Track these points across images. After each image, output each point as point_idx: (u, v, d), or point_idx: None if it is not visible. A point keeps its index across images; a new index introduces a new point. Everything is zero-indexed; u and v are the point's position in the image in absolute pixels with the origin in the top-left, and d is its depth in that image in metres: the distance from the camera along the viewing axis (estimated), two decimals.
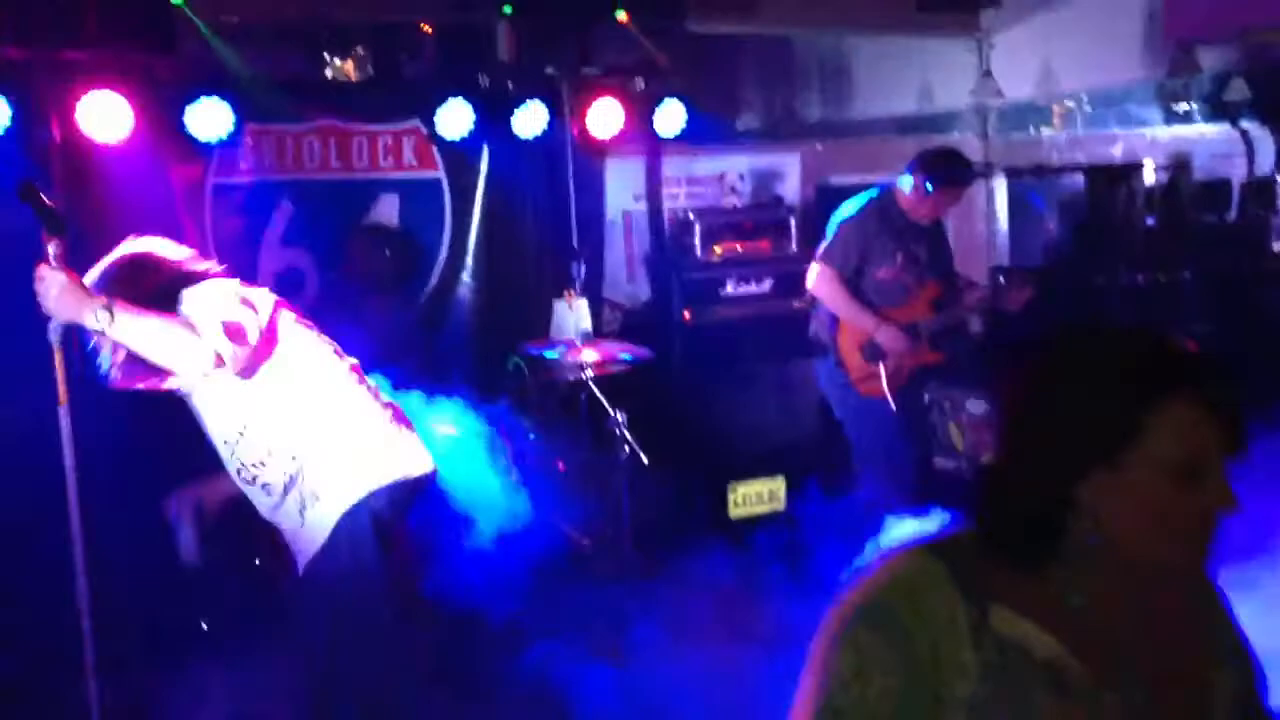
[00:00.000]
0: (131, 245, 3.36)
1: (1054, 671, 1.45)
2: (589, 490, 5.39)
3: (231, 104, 5.19)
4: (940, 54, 7.72)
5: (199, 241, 5.08)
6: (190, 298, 3.23)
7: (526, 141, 6.05)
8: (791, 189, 7.30)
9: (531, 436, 5.39)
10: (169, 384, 3.33)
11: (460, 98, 5.84)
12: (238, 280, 3.34)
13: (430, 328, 6.20)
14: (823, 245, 5.33)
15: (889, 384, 5.25)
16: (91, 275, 3.26)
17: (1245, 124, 6.47)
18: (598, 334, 5.94)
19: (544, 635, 4.57)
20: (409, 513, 3.51)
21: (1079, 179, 7.22)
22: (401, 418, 3.55)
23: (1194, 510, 1.43)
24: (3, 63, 4.80)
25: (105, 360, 3.25)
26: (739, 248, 6.69)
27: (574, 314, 5.98)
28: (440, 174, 6.26)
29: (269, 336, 3.25)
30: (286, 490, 3.37)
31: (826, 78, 8.52)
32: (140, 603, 4.46)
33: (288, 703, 3.78)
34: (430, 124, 5.96)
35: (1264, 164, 6.44)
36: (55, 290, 3.06)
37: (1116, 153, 7.26)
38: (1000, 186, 7.90)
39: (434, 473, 3.54)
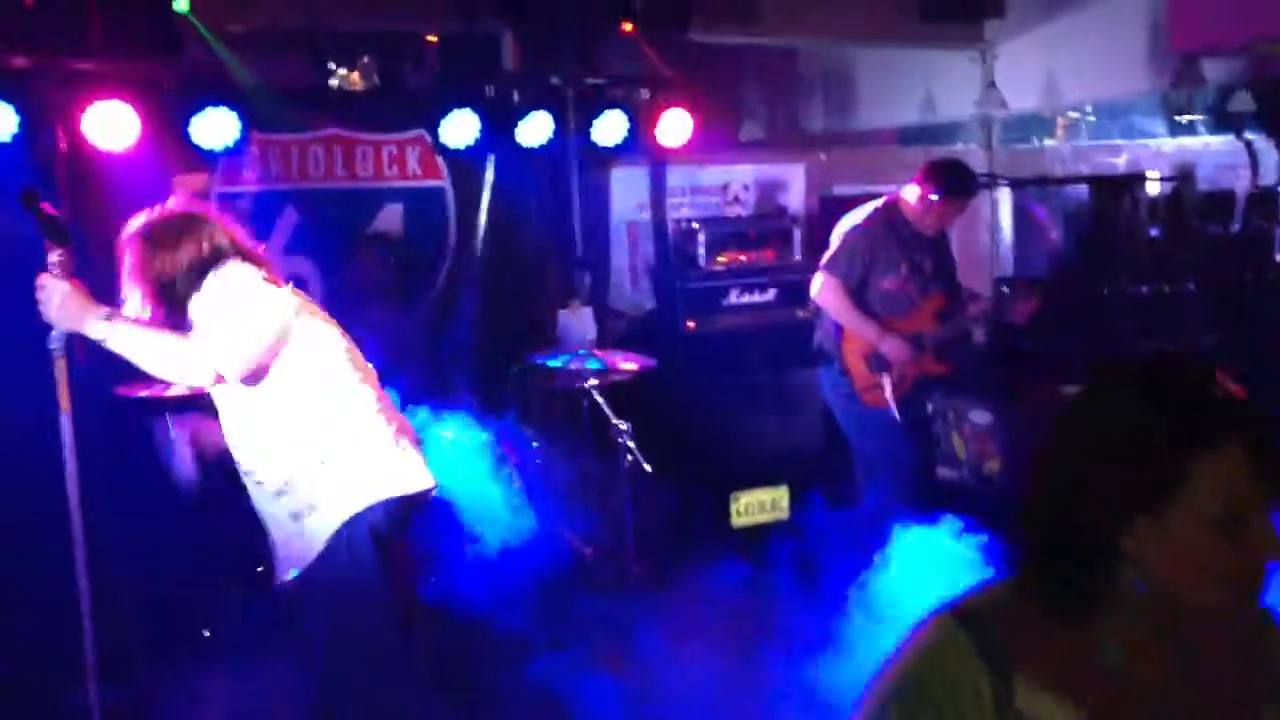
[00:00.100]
0: (189, 202, 3.38)
1: None
2: (592, 499, 5.39)
3: (237, 113, 5.20)
4: (944, 65, 7.72)
5: None
6: (210, 289, 3.21)
7: (531, 151, 6.06)
8: (795, 199, 7.30)
9: (535, 445, 5.39)
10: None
11: (465, 108, 5.85)
12: (264, 271, 3.30)
13: (434, 336, 6.20)
14: (827, 255, 5.33)
15: (893, 394, 5.25)
16: (137, 220, 3.26)
17: (1249, 135, 6.47)
18: (601, 343, 5.94)
19: (547, 643, 4.58)
20: (407, 526, 3.48)
21: (1083, 190, 7.22)
22: (407, 431, 3.51)
23: (1239, 559, 1.40)
24: (9, 71, 4.81)
25: None
26: (743, 257, 6.69)
27: (578, 323, 5.99)
28: (445, 183, 6.27)
29: (274, 348, 3.23)
30: (279, 494, 3.35)
31: (830, 88, 8.52)
32: (141, 606, 4.46)
33: (288, 707, 3.78)
34: (435, 134, 5.97)
35: (1268, 175, 6.44)
36: (57, 299, 3.08)
37: (1120, 164, 7.26)
38: (1004, 197, 7.90)
39: (434, 489, 3.50)
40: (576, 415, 5.53)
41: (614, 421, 5.17)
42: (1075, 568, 1.45)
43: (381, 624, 3.38)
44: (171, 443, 3.56)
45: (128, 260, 3.27)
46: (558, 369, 5.35)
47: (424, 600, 4.33)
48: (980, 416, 6.46)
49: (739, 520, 6.18)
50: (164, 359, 3.12)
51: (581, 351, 5.32)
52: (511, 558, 4.96)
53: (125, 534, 4.37)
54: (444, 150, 6.08)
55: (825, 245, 5.43)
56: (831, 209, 6.54)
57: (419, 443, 3.57)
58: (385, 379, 3.64)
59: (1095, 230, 7.07)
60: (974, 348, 6.70)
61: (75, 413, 3.31)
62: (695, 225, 6.66)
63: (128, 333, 3.09)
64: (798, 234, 6.82)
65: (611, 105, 6.11)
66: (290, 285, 3.37)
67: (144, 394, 4.34)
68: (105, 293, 3.20)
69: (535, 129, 5.97)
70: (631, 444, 5.13)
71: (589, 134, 6.13)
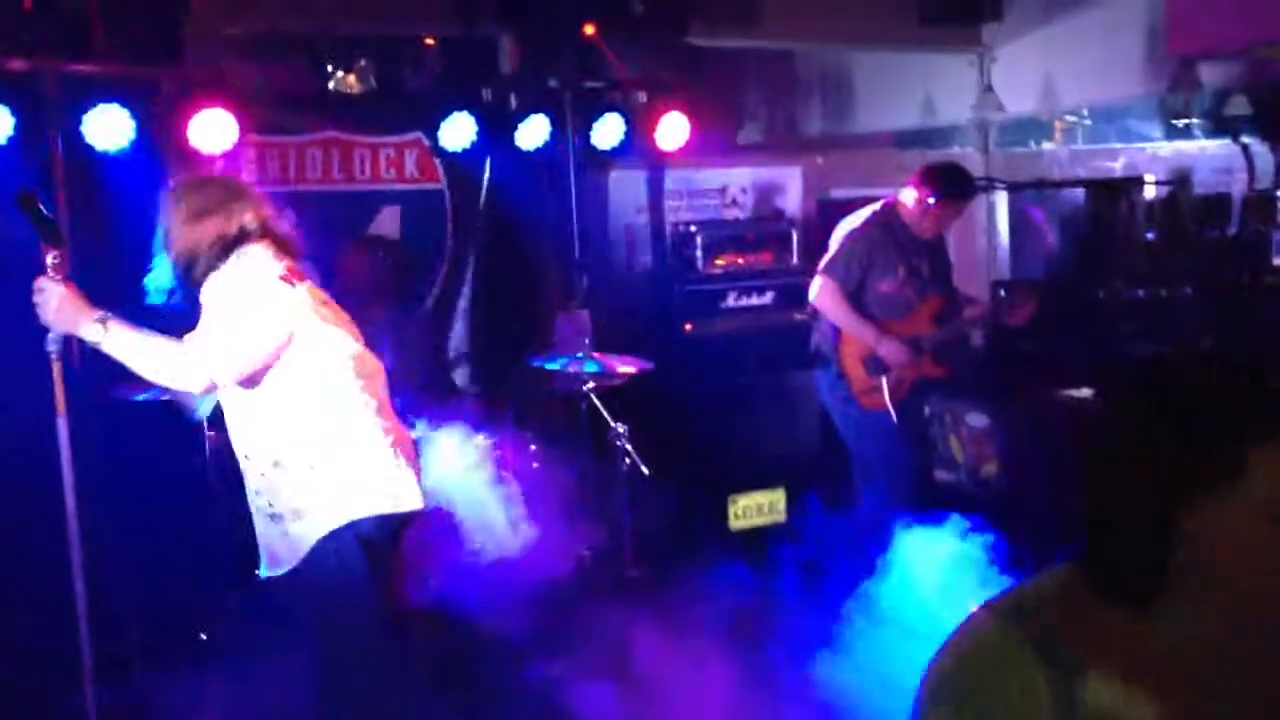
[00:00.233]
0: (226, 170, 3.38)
1: None
2: (590, 501, 5.39)
3: (234, 116, 5.20)
4: (942, 68, 7.73)
5: None
6: (225, 276, 3.19)
7: (529, 154, 6.06)
8: (793, 202, 7.31)
9: (533, 448, 5.39)
10: None
11: (463, 110, 5.86)
12: (285, 262, 3.27)
13: (432, 339, 6.20)
14: (826, 258, 5.34)
15: (891, 397, 5.25)
16: (178, 180, 3.26)
17: (1246, 139, 6.48)
18: (599, 346, 5.94)
19: (545, 646, 4.57)
20: (399, 537, 3.44)
21: (1080, 193, 7.22)
22: (404, 444, 3.46)
23: None
24: (6, 73, 4.81)
25: None
26: (740, 260, 6.70)
27: (576, 326, 5.99)
28: (443, 186, 6.27)
29: (272, 356, 3.20)
30: (259, 493, 3.34)
31: (828, 91, 8.53)
32: (138, 608, 4.46)
33: (285, 710, 3.78)
34: (433, 136, 5.98)
35: (1264, 179, 6.45)
36: (54, 302, 3.09)
37: (1117, 167, 7.27)
38: (1001, 201, 7.91)
39: (425, 509, 3.45)
40: (575, 418, 5.53)
41: (612, 424, 5.17)
42: (1137, 551, 1.43)
43: (372, 628, 3.35)
44: None
45: (161, 222, 3.26)
46: (556, 372, 5.35)
47: (421, 604, 4.33)
48: (978, 419, 6.47)
49: (736, 523, 6.19)
50: (158, 364, 3.12)
51: (579, 354, 5.32)
52: (509, 561, 4.95)
53: (122, 536, 4.37)
54: (442, 153, 6.09)
55: (823, 248, 5.44)
56: (829, 212, 6.56)
57: (417, 455, 3.54)
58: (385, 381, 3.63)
59: (1092, 234, 7.08)
60: (971, 351, 6.70)
61: (72, 415, 3.32)
62: (693, 228, 6.67)
63: (122, 337, 3.10)
64: (795, 237, 6.82)
65: (609, 108, 6.11)
66: (308, 282, 3.33)
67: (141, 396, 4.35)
68: (102, 296, 3.20)
69: (533, 132, 5.98)
70: (629, 446, 5.13)
71: (587, 137, 6.14)
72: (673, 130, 6.22)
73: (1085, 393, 5.87)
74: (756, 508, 6.22)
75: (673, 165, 6.81)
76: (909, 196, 5.29)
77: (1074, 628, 1.45)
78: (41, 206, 3.20)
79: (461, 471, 4.86)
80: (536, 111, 5.97)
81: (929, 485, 5.73)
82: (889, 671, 3.71)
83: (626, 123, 6.12)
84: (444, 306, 6.34)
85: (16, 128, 4.74)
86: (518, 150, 6.03)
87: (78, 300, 3.10)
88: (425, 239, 6.24)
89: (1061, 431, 6.02)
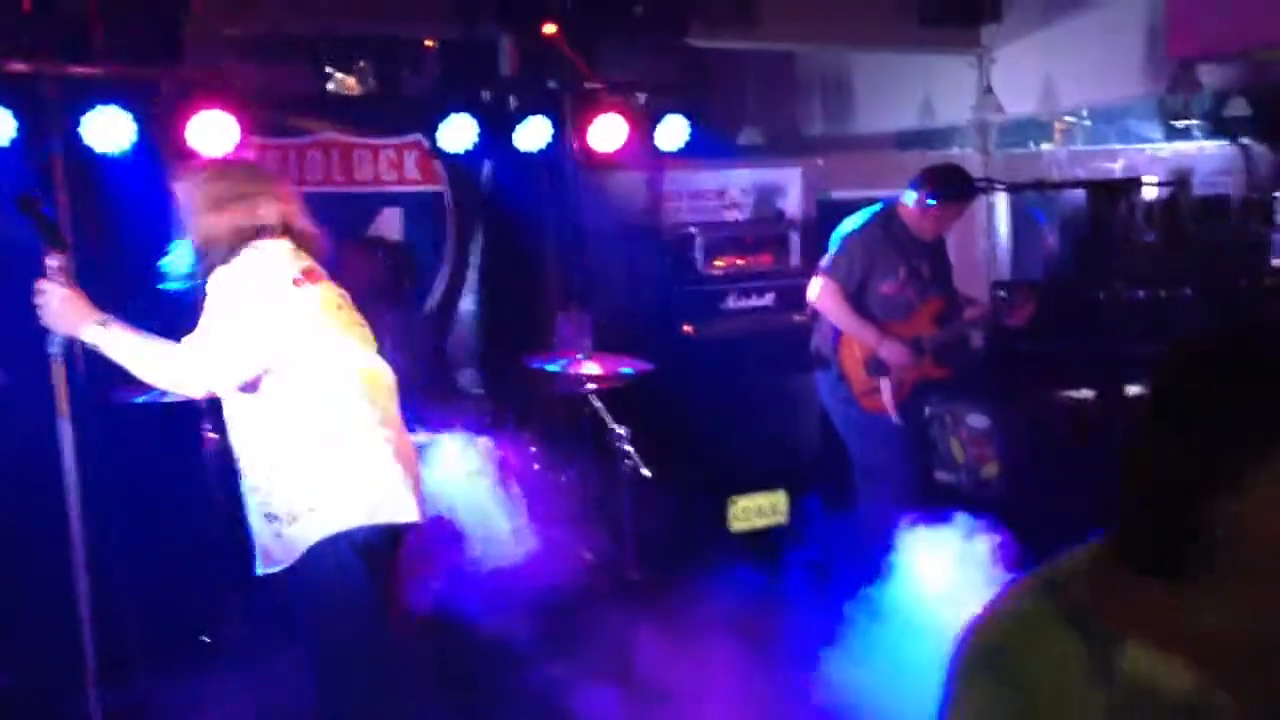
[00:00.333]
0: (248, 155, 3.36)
1: (1193, 710, 1.40)
2: (590, 503, 5.39)
3: (234, 117, 5.19)
4: (942, 69, 7.74)
5: None
6: (234, 271, 3.16)
7: (529, 155, 6.06)
8: (793, 203, 7.31)
9: (533, 450, 5.39)
10: None
11: (463, 112, 5.86)
12: (302, 263, 3.22)
13: (432, 341, 6.20)
14: (826, 259, 5.34)
15: (891, 398, 5.26)
16: (201, 163, 3.23)
17: (1245, 140, 6.48)
18: (599, 348, 5.94)
19: (546, 649, 4.57)
20: (398, 544, 3.41)
21: (1080, 194, 7.22)
22: (406, 454, 3.41)
23: None
24: (7, 75, 4.81)
25: None
26: (740, 261, 6.70)
27: (576, 327, 5.99)
28: (443, 188, 6.28)
29: (273, 361, 3.18)
30: (255, 489, 3.32)
31: (828, 92, 8.53)
32: (141, 611, 4.46)
33: (287, 712, 3.78)
34: (433, 138, 5.98)
35: (1263, 180, 6.46)
36: (55, 304, 3.09)
37: (1117, 168, 7.26)
38: (1001, 202, 7.91)
39: (422, 521, 3.42)
40: (575, 420, 5.53)
41: (612, 426, 5.17)
42: (1170, 526, 1.42)
43: (369, 629, 3.33)
44: None
45: (181, 203, 3.24)
46: (556, 373, 5.35)
47: (423, 607, 4.33)
48: (978, 420, 6.48)
49: (737, 525, 6.18)
50: (158, 368, 3.12)
51: (579, 356, 5.32)
52: (510, 564, 4.95)
53: (124, 538, 4.36)
54: (442, 154, 6.09)
55: (823, 250, 5.44)
56: (829, 213, 6.55)
57: (418, 464, 3.51)
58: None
59: (1092, 235, 7.07)
60: (972, 352, 6.71)
61: (74, 417, 3.31)
62: (693, 230, 6.67)
63: (123, 340, 3.09)
64: (795, 238, 6.82)
65: (609, 110, 6.12)
66: (325, 282, 3.29)
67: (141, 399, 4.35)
68: (103, 297, 3.20)
69: (533, 133, 5.98)
70: (630, 448, 5.13)
71: (587, 139, 6.14)
72: (672, 131, 6.22)
73: (1085, 393, 5.88)
74: (757, 509, 6.22)
75: (672, 167, 6.82)
76: (909, 198, 5.30)
77: (1105, 602, 1.45)
78: (43, 209, 3.20)
79: (464, 477, 4.86)
80: (536, 113, 5.97)
81: (929, 486, 5.73)
82: (891, 672, 3.71)
83: (626, 124, 6.12)
84: (444, 308, 6.35)
85: (18, 130, 4.74)
86: (517, 152, 6.03)
87: (79, 302, 3.10)
88: (425, 240, 6.25)
89: (1061, 432, 6.03)
